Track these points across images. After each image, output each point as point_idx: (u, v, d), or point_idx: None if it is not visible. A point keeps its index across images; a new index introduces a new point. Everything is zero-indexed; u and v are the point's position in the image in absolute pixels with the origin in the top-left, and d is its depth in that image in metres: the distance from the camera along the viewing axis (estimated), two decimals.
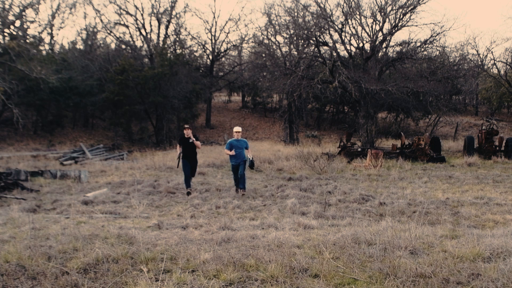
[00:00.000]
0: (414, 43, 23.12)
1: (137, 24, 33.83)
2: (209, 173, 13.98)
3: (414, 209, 7.75)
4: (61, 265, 4.19)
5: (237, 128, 10.19)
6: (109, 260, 4.27)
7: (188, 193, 9.76)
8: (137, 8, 35.39)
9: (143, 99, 28.47)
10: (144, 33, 34.01)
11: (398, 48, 24.39)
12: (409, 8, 22.16)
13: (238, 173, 9.99)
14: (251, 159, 9.99)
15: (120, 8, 33.40)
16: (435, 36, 22.42)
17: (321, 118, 36.99)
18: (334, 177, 12.56)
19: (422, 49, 23.75)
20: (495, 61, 36.20)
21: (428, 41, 22.56)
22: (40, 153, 22.41)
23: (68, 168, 16.83)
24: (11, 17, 27.13)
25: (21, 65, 21.96)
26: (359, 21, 23.36)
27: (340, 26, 22.91)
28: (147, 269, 3.97)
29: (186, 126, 10.18)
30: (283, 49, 29.12)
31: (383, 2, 22.85)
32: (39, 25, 34.20)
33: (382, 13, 22.66)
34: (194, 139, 9.91)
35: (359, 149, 18.63)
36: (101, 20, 44.40)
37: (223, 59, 40.64)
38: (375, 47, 22.56)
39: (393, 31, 22.61)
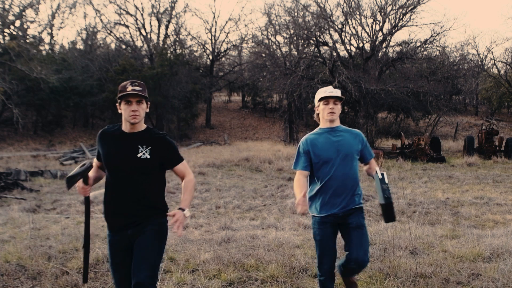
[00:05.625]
0: (414, 43, 23.19)
1: (137, 24, 33.86)
2: (209, 173, 13.97)
3: (414, 209, 7.75)
4: (61, 265, 4.19)
5: (329, 89, 3.03)
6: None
7: None
8: (137, 8, 35.43)
9: None
10: (144, 33, 34.03)
11: (398, 48, 24.46)
12: (409, 8, 22.19)
13: (334, 253, 3.04)
14: (385, 186, 2.94)
15: (120, 8, 33.44)
16: (435, 36, 22.49)
17: None
18: None
19: (422, 49, 23.80)
20: (495, 61, 36.20)
21: (428, 41, 22.62)
22: (40, 153, 22.39)
23: (68, 168, 16.82)
24: (11, 17, 27.13)
25: (21, 65, 21.96)
26: (359, 21, 23.39)
27: (340, 26, 22.93)
28: None
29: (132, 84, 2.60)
30: (283, 49, 29.12)
31: (383, 2, 22.89)
32: (39, 25, 34.20)
33: (382, 13, 22.69)
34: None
35: None
36: (101, 20, 44.45)
37: (223, 59, 40.63)
38: (375, 47, 22.57)
39: (393, 31, 22.63)
